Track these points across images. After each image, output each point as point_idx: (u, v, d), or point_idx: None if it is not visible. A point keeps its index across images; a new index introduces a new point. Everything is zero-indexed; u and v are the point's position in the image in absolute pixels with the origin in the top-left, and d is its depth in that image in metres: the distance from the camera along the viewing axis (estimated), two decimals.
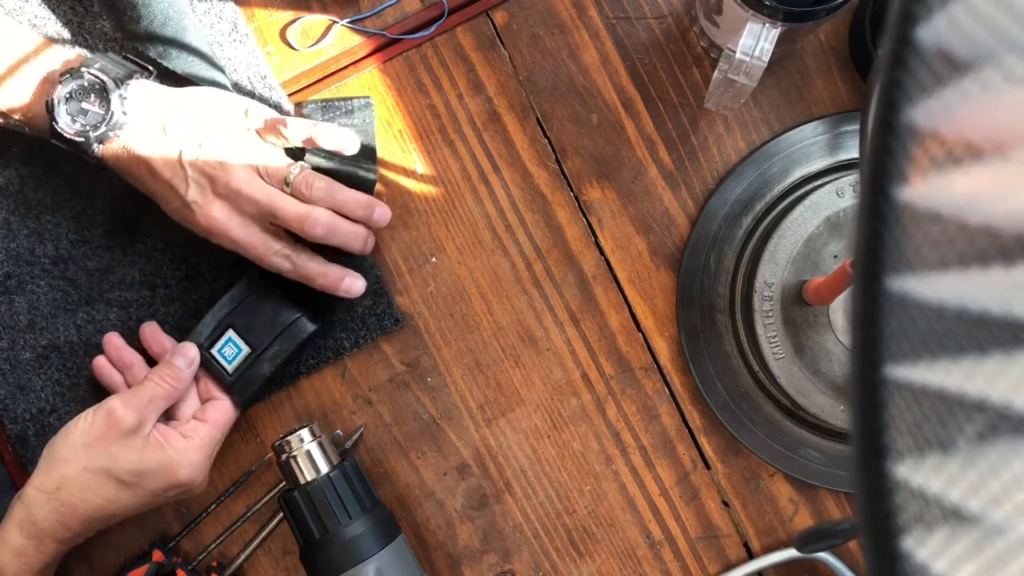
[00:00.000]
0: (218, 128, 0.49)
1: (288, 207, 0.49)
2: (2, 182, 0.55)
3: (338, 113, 0.55)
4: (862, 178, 0.16)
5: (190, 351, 0.52)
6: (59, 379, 0.55)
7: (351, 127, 0.55)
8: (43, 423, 0.55)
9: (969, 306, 0.16)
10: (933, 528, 0.16)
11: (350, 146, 0.51)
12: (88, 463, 0.47)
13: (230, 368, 0.53)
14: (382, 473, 0.57)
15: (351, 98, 0.55)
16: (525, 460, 0.57)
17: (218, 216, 0.48)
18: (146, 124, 0.48)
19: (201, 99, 0.50)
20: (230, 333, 0.53)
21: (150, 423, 0.49)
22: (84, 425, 0.48)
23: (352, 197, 0.51)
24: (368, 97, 0.56)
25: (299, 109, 0.55)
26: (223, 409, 0.52)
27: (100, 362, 0.53)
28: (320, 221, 0.49)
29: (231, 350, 0.53)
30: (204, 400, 0.53)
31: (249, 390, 0.53)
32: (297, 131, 0.50)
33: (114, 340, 0.54)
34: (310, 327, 0.54)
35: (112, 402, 0.48)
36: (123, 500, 0.48)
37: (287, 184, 0.50)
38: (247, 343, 0.53)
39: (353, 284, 0.52)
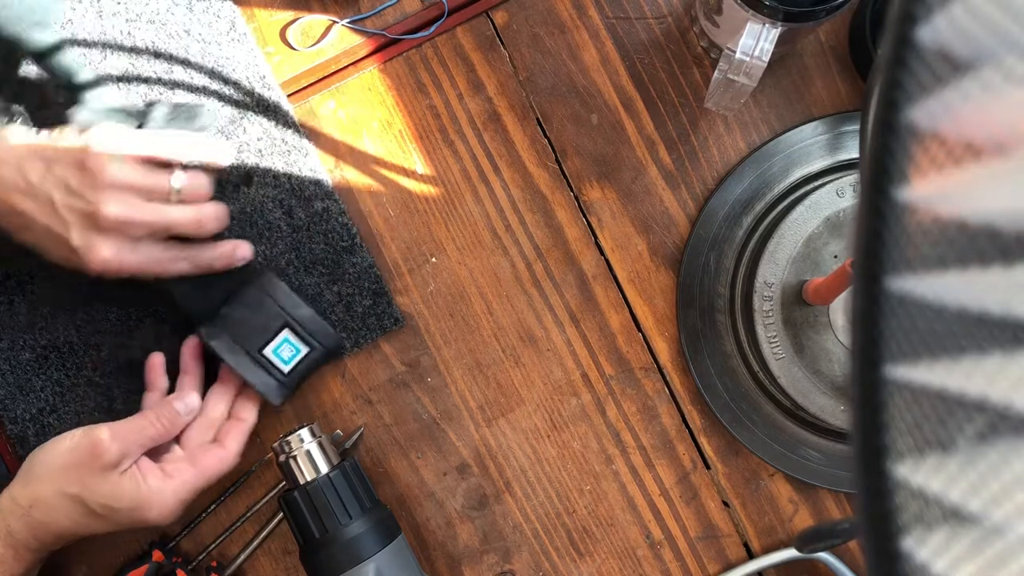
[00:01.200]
0: (88, 164, 0.47)
1: (181, 218, 0.49)
2: None
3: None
4: (862, 178, 0.16)
5: (192, 399, 0.52)
6: (59, 379, 0.55)
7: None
8: (43, 423, 0.55)
9: (969, 306, 0.16)
10: (933, 528, 0.16)
11: (223, 158, 0.52)
12: (63, 487, 0.46)
13: (288, 367, 0.53)
14: (382, 473, 0.57)
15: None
16: (525, 460, 0.57)
17: (108, 255, 0.46)
18: (9, 173, 0.46)
19: (66, 139, 0.48)
20: (266, 353, 0.53)
21: (132, 459, 0.48)
22: (68, 446, 0.47)
23: (209, 185, 0.52)
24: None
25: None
26: (218, 459, 0.50)
27: (157, 361, 0.53)
28: (213, 216, 0.50)
29: (287, 351, 0.53)
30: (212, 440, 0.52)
31: (330, 344, 0.54)
32: (160, 149, 0.49)
33: (158, 362, 0.54)
34: (275, 277, 0.53)
35: (100, 432, 0.47)
36: (93, 526, 0.47)
37: (175, 193, 0.49)
38: (299, 340, 0.53)
39: (242, 249, 0.52)
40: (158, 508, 0.47)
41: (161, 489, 0.47)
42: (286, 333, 0.53)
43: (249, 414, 0.53)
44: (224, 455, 0.51)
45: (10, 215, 0.46)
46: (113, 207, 0.46)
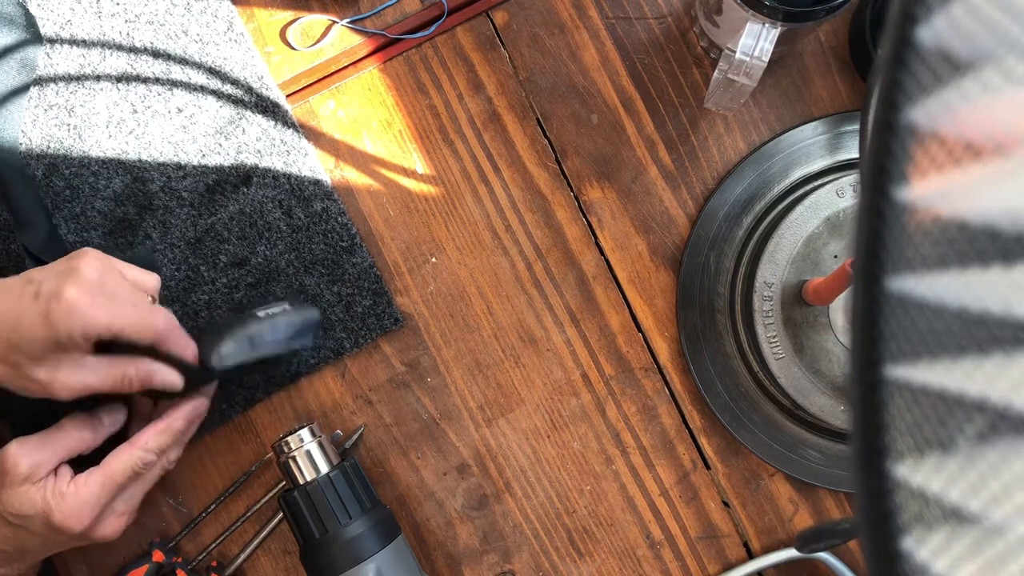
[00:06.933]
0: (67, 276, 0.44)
1: (157, 324, 0.46)
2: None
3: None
4: (862, 178, 0.16)
5: (120, 413, 0.50)
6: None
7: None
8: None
9: (969, 306, 0.16)
10: (933, 528, 0.16)
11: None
12: None
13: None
14: (382, 473, 0.57)
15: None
16: (525, 460, 0.57)
17: (72, 379, 0.44)
18: None
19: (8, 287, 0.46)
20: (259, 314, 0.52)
21: (46, 468, 0.46)
22: None
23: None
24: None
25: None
26: (126, 453, 0.48)
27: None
28: (167, 317, 0.48)
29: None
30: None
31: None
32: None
33: None
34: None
35: (10, 446, 0.46)
36: (20, 541, 0.46)
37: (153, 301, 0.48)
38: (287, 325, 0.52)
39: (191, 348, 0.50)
40: (62, 512, 0.45)
41: (64, 494, 0.46)
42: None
43: (175, 419, 0.50)
44: (131, 449, 0.48)
45: None
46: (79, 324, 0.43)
